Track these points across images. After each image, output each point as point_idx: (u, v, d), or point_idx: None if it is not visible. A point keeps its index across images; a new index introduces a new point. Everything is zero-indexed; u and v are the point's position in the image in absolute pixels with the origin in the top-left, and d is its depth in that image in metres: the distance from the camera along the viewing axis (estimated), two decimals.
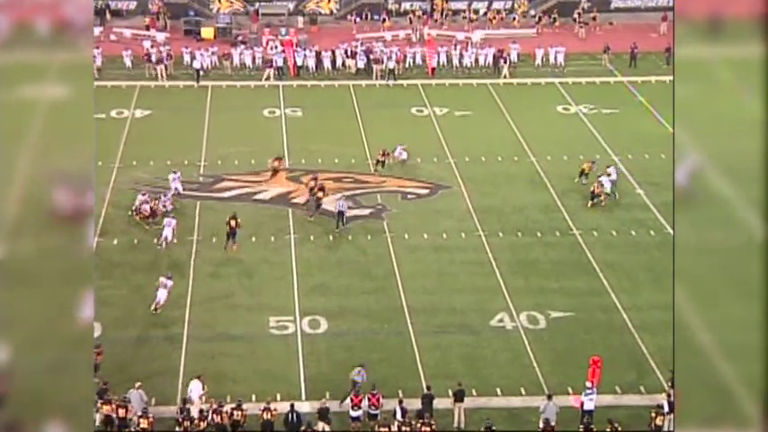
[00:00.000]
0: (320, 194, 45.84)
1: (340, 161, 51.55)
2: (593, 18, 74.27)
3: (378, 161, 50.50)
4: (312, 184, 47.09)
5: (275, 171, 49.76)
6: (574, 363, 34.85)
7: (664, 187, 47.56)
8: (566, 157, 51.62)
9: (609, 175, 47.82)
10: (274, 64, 63.04)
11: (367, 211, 46.32)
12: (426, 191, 48.64)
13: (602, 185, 47.01)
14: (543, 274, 41.50)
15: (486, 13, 75.14)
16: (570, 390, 33.89)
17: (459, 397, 32.66)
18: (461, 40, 68.67)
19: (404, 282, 40.79)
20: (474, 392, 33.66)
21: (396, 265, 42.14)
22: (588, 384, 32.54)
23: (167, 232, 42.73)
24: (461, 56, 65.62)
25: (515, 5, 76.41)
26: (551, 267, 42.02)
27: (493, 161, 51.74)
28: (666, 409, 31.98)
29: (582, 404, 32.49)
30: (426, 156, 52.12)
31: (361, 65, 64.53)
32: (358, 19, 73.51)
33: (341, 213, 44.59)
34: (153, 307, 38.03)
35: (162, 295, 38.18)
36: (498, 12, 75.31)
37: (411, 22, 72.74)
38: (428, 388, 33.00)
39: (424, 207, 47.08)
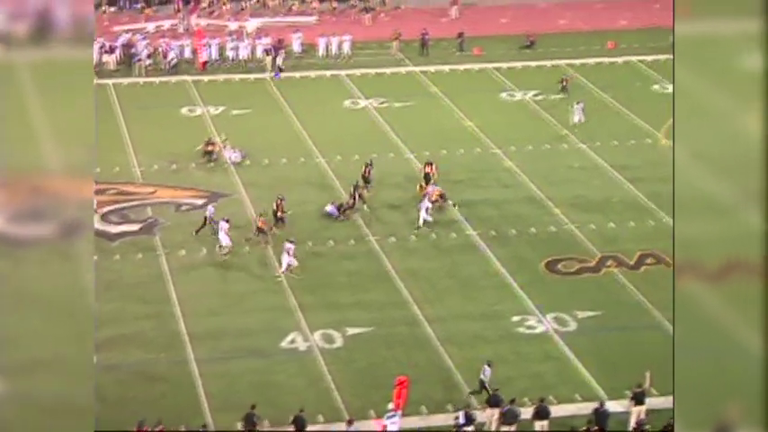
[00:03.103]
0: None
1: (101, 171, 50.61)
2: (383, 2, 75.89)
3: (205, 153, 51.34)
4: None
5: None
6: (376, 383, 35.40)
7: (464, 186, 48.89)
8: (357, 157, 52.34)
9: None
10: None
11: (136, 227, 45.68)
12: (203, 200, 48.38)
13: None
14: (337, 286, 42.00)
15: None
16: (373, 413, 34.39)
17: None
18: (235, 30, 68.71)
19: (182, 304, 40.46)
20: (267, 423, 33.71)
21: (172, 285, 41.75)
22: (390, 406, 33.13)
23: None
24: (236, 48, 65.69)
25: None
26: (346, 279, 42.59)
27: (277, 164, 51.99)
28: (462, 420, 32.82)
29: (384, 428, 33.04)
30: (200, 160, 51.83)
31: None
32: (112, 8, 72.33)
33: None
34: (280, 272, 42.05)
35: (285, 259, 42.06)
36: None
37: (177, 11, 72.24)
38: (252, 407, 32.91)
39: (202, 219, 46.81)
